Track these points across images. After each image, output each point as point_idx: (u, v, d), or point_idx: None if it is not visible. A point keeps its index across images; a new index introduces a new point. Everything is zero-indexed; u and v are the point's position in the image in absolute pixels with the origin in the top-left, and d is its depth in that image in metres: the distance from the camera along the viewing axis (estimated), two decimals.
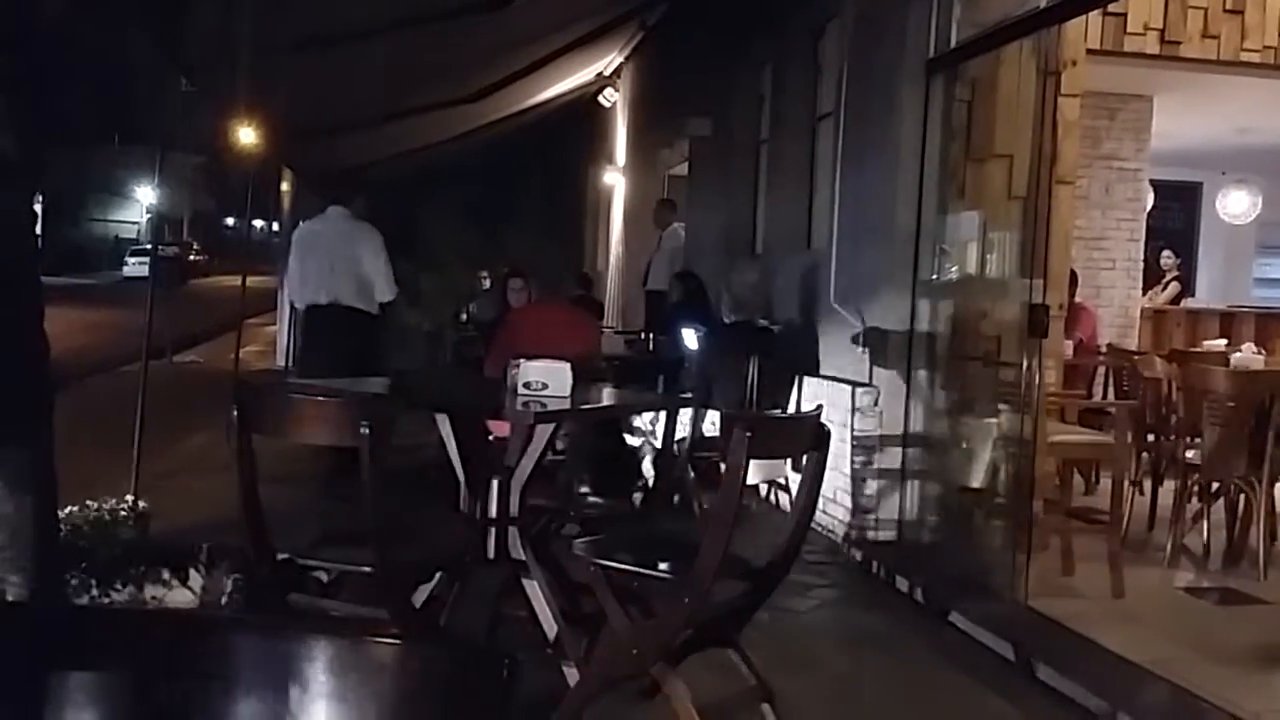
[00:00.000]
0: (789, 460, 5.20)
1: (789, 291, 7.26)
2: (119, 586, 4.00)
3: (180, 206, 37.77)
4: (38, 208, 3.53)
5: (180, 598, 4.13)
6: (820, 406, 3.75)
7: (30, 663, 1.22)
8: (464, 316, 11.39)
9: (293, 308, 10.31)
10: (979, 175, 5.70)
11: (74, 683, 1.22)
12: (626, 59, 13.04)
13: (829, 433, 3.20)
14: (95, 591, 3.96)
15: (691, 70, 10.06)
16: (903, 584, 5.13)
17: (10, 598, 3.74)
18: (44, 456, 3.83)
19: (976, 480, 5.49)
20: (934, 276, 5.81)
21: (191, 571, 4.17)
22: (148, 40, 3.34)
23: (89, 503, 4.69)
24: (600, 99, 14.00)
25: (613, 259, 13.81)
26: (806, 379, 6.36)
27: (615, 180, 13.72)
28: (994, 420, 5.34)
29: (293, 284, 6.89)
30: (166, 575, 4.13)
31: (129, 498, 5.05)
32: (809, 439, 3.17)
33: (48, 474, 3.87)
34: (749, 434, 2.87)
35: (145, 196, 42.72)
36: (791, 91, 7.97)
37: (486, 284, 12.05)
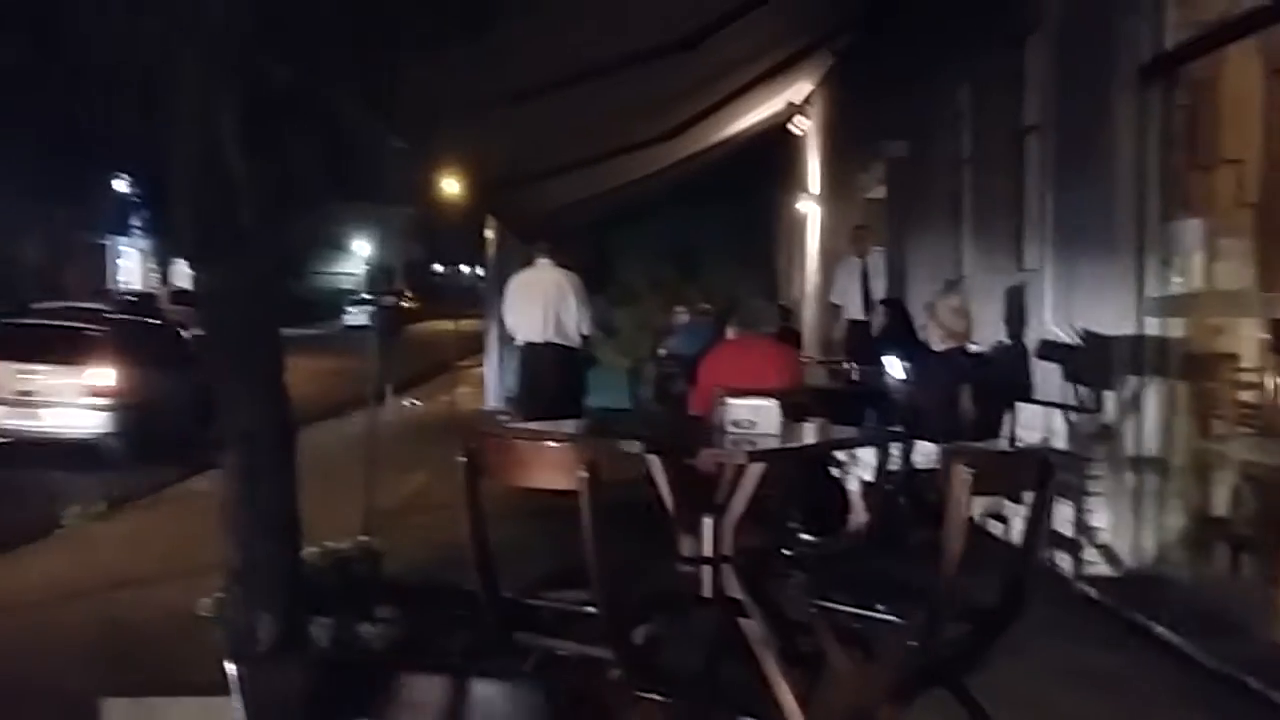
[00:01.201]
0: None
1: (999, 314, 7.00)
2: (357, 624, 4.21)
3: (394, 256, 39.96)
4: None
5: (402, 634, 4.32)
6: (1045, 440, 3.58)
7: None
8: (662, 351, 11.50)
9: (500, 350, 12.06)
10: (1204, 183, 5.36)
11: None
12: (817, 86, 12.97)
13: (1055, 468, 3.05)
14: (335, 630, 4.18)
15: (885, 92, 9.90)
16: (1136, 619, 4.83)
17: (260, 635, 4.01)
18: (288, 501, 4.11)
19: (1218, 508, 5.12)
20: (1160, 292, 5.48)
21: (419, 608, 4.37)
22: (363, 103, 3.54)
23: (326, 543, 4.98)
24: (791, 127, 13.96)
25: (809, 287, 13.69)
26: (1021, 405, 6.10)
27: (809, 208, 13.62)
28: (1236, 444, 4.97)
29: (511, 324, 8.08)
30: (398, 613, 4.34)
31: (362, 537, 5.33)
32: (1034, 475, 3.04)
33: (292, 517, 4.15)
34: (972, 472, 2.77)
35: (362, 249, 45.46)
36: (993, 107, 7.72)
37: (684, 318, 12.13)
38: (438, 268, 53.99)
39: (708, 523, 3.46)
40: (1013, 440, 5.75)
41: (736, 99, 9.91)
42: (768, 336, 6.05)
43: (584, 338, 7.95)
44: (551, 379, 7.77)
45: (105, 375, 9.92)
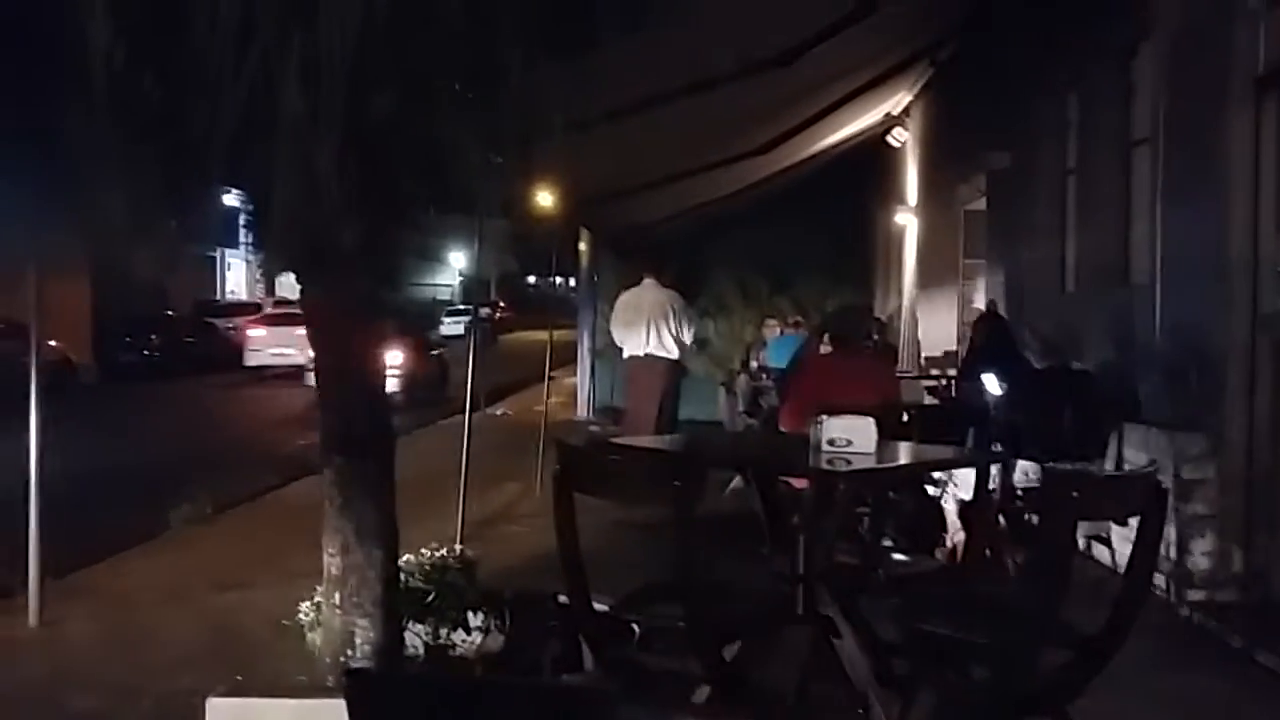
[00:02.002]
0: None
1: (1104, 330, 6.80)
2: (451, 632, 4.27)
3: (488, 268, 40.48)
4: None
5: (494, 644, 4.36)
6: (1154, 462, 3.47)
7: None
8: (754, 364, 11.43)
9: (592, 361, 12.65)
10: None
11: None
12: (915, 97, 12.79)
13: (1166, 493, 2.95)
14: (429, 637, 4.25)
15: (987, 103, 9.72)
16: (1251, 649, 4.63)
17: (358, 640, 4.09)
18: (387, 509, 4.19)
19: None
20: (1275, 307, 5.26)
21: (511, 618, 4.41)
22: (463, 123, 3.59)
23: (422, 551, 5.06)
24: (889, 139, 13.79)
25: (906, 300, 13.49)
26: (1127, 425, 5.91)
27: (907, 220, 13.43)
28: None
29: (618, 339, 8.97)
30: (492, 622, 4.39)
31: (457, 546, 5.40)
32: (1142, 500, 2.94)
33: (390, 525, 4.23)
34: (1075, 495, 2.70)
35: (457, 260, 46.17)
36: (1100, 118, 7.52)
37: (776, 332, 12.05)
38: (530, 279, 54.62)
39: (802, 540, 3.42)
40: (1119, 461, 5.58)
41: (833, 112, 9.82)
42: (863, 351, 5.98)
43: (682, 350, 8.67)
44: (650, 391, 8.58)
45: (395, 353, 15.29)
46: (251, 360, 21.47)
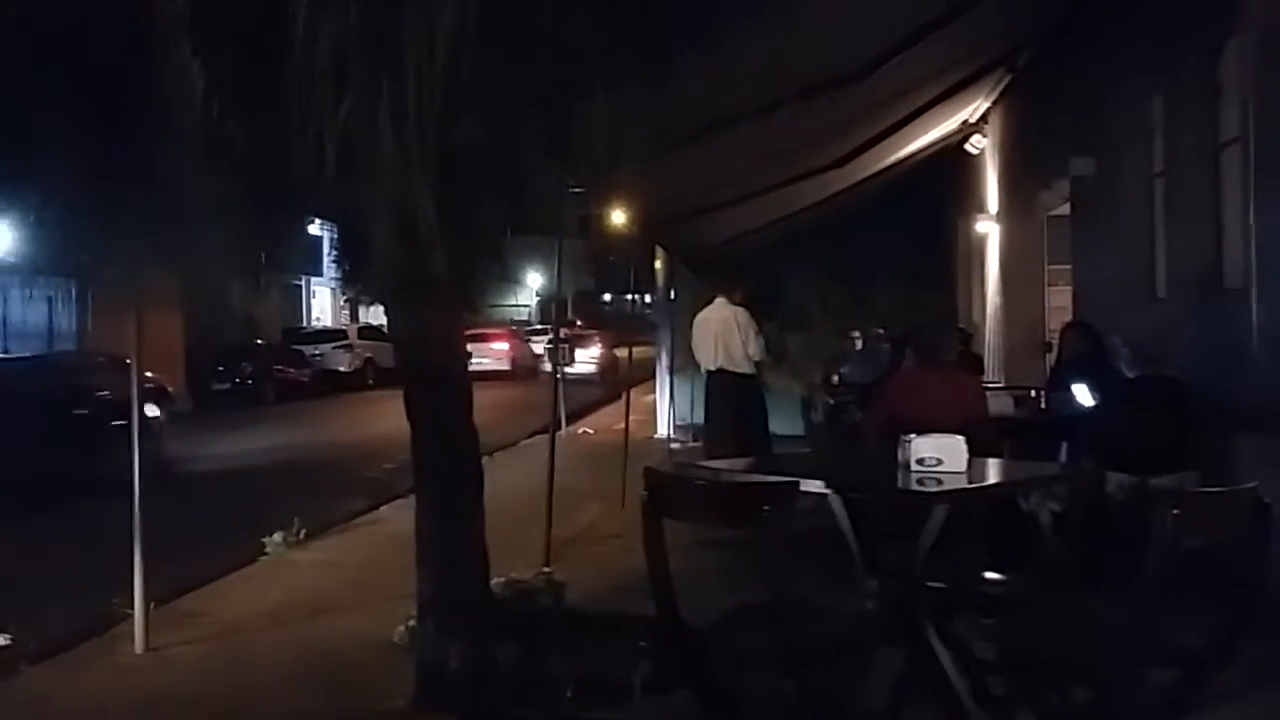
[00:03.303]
0: None
1: (1201, 338, 6.60)
2: (543, 654, 4.31)
3: (565, 288, 40.75)
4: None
5: (584, 665, 4.38)
6: (1262, 470, 3.36)
7: None
8: (835, 379, 11.32)
9: (671, 378, 12.75)
10: None
11: None
12: (994, 103, 12.61)
13: (1269, 507, 2.86)
14: (522, 660, 4.28)
15: (1068, 107, 9.54)
16: None
17: (452, 664, 4.16)
18: (477, 533, 4.26)
19: None
20: None
21: (600, 639, 4.43)
22: (544, 148, 3.65)
23: (511, 574, 5.12)
24: (967, 146, 13.60)
25: (990, 310, 13.27)
26: (1227, 434, 5.72)
27: (988, 228, 13.22)
28: None
29: (697, 356, 9.43)
30: (581, 644, 4.42)
31: (544, 569, 5.46)
32: (1246, 514, 2.86)
33: (481, 548, 4.30)
34: (1175, 511, 2.63)
35: (534, 281, 46.59)
36: (1188, 119, 7.33)
37: (858, 344, 11.92)
38: (605, 296, 54.84)
39: (892, 560, 3.39)
40: (1220, 473, 5.40)
41: (909, 122, 9.72)
42: (948, 364, 5.89)
43: (755, 363, 9.02)
44: (727, 403, 8.98)
45: (597, 348, 27.98)
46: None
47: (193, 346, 21.73)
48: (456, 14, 2.74)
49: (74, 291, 20.42)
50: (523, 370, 28.17)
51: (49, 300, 20.77)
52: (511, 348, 29.32)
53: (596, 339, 29.21)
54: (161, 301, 16.59)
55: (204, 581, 6.51)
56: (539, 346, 30.00)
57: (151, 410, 9.65)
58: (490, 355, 26.54)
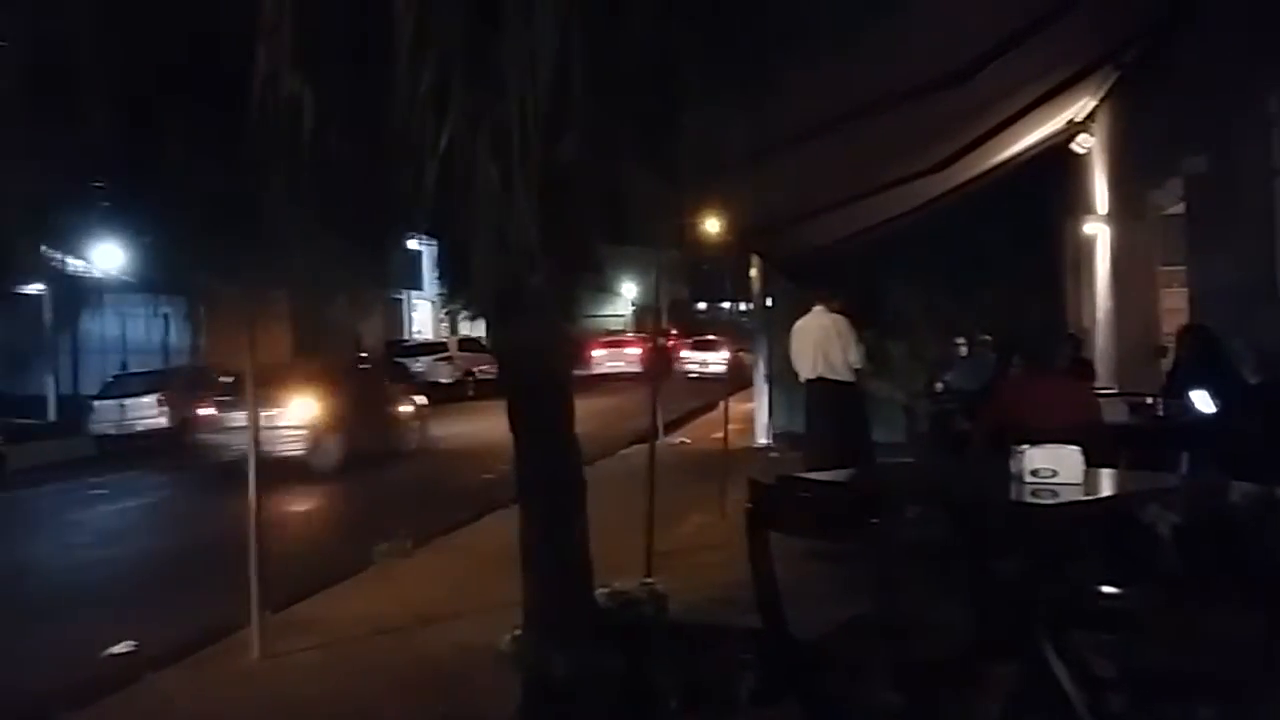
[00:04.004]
0: None
1: None
2: (647, 664, 4.30)
3: (660, 297, 40.73)
4: None
5: (689, 676, 4.35)
6: None
7: None
8: (939, 386, 11.11)
9: (769, 386, 12.60)
10: None
11: None
12: (1101, 101, 12.26)
13: None
14: (626, 672, 4.28)
15: (1180, 105, 9.22)
16: None
17: (556, 674, 4.18)
18: (581, 543, 4.28)
19: None
20: None
21: (705, 650, 4.40)
22: (641, 166, 3.66)
23: (614, 584, 5.12)
24: (1073, 146, 13.24)
25: (1100, 313, 12.88)
26: None
27: (1096, 229, 12.84)
28: None
29: (795, 365, 9.29)
30: (685, 655, 4.39)
31: (646, 579, 5.45)
32: None
33: (584, 559, 4.32)
34: None
35: (629, 290, 46.79)
36: None
37: (964, 351, 11.67)
38: (701, 305, 54.75)
39: (1005, 574, 3.30)
40: None
41: (1013, 123, 9.50)
42: (1059, 370, 5.73)
43: (855, 371, 8.87)
44: (827, 411, 8.86)
45: (726, 351, 25.82)
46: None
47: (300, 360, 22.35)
48: (557, 35, 2.77)
49: (187, 309, 21.26)
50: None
51: (165, 318, 21.67)
52: (643, 353, 31.74)
53: (723, 344, 30.89)
54: (271, 317, 17.16)
55: (316, 589, 6.68)
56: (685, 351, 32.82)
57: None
58: (624, 360, 31.17)
